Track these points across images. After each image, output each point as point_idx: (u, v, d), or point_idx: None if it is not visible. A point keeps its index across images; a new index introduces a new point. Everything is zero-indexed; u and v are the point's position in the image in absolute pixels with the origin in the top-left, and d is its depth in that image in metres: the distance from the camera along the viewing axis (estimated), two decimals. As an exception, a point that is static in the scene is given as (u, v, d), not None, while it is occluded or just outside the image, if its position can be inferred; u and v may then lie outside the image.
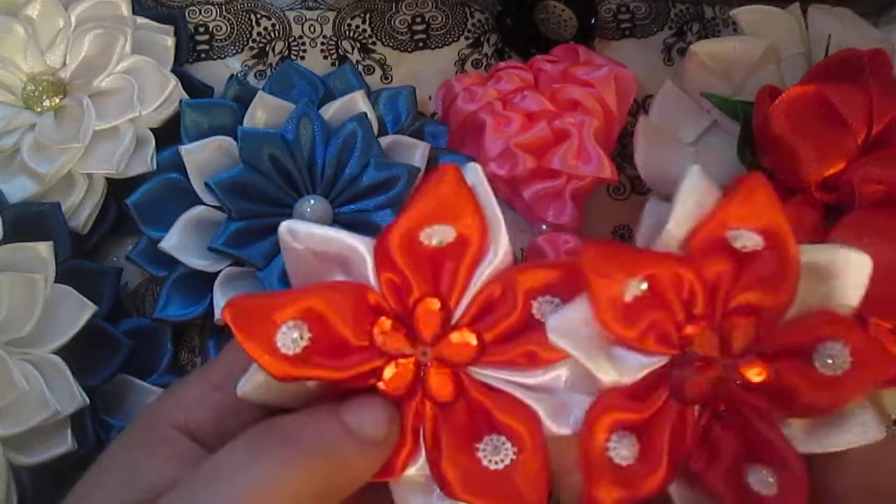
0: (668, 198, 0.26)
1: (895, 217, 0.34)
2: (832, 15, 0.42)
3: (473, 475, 0.23)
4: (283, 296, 0.23)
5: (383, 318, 0.24)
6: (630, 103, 0.44)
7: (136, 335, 0.39)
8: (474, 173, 0.24)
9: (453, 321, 0.24)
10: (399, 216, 0.24)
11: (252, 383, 0.24)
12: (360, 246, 0.24)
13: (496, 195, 0.25)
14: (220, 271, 0.39)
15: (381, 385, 0.24)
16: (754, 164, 0.39)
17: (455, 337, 0.24)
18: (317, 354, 0.23)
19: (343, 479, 0.23)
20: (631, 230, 0.45)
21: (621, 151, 0.46)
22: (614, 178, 0.42)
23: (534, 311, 0.24)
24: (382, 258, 0.24)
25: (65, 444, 0.35)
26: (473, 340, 0.24)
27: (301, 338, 0.23)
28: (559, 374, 0.24)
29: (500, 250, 0.24)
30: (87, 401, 0.35)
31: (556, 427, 0.23)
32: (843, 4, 0.43)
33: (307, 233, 0.24)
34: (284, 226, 0.25)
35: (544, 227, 0.42)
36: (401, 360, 0.24)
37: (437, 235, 0.24)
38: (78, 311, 0.36)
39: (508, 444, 0.23)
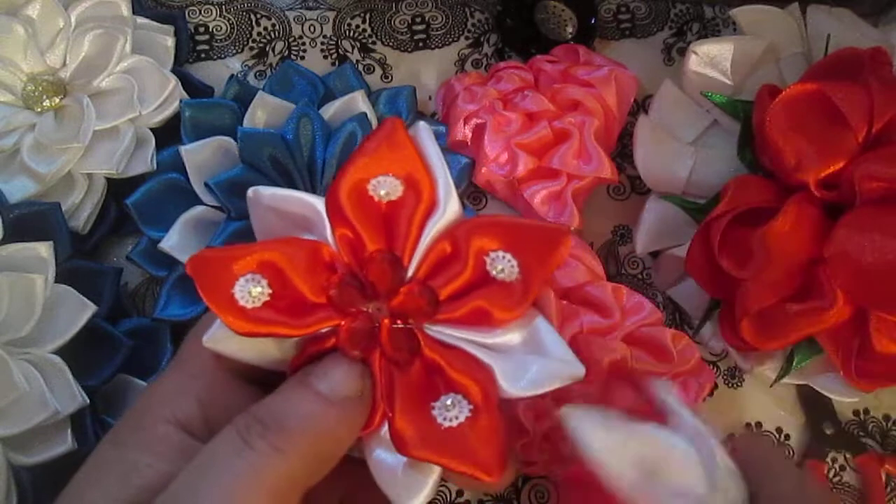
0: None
1: (896, 215, 0.34)
2: (831, 15, 0.42)
3: (427, 432, 0.23)
4: (242, 248, 0.23)
5: (337, 274, 0.24)
6: (630, 103, 0.45)
7: (136, 335, 0.39)
8: (423, 131, 0.25)
9: (407, 276, 0.24)
10: (344, 168, 0.24)
11: (216, 336, 0.24)
12: (317, 203, 0.24)
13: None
14: (220, 271, 0.39)
15: (340, 343, 0.24)
16: (754, 163, 0.39)
17: (407, 290, 0.24)
18: (276, 310, 0.23)
19: (331, 447, 0.23)
20: (631, 230, 0.45)
21: (621, 151, 0.46)
22: (614, 178, 0.42)
23: (487, 268, 0.23)
24: (335, 213, 0.24)
25: (65, 444, 0.35)
26: (426, 293, 0.24)
27: (261, 292, 0.23)
28: (513, 336, 0.24)
29: (450, 205, 0.24)
30: (87, 401, 0.35)
31: (510, 388, 0.23)
32: (843, 4, 0.43)
33: (270, 194, 0.25)
34: (251, 190, 0.25)
35: (544, 226, 0.42)
36: (356, 318, 0.24)
37: (384, 187, 0.24)
38: (78, 311, 0.36)
39: (464, 402, 0.23)
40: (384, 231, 0.24)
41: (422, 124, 0.25)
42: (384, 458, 0.24)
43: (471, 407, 0.23)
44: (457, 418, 0.23)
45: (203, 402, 0.25)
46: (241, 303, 0.23)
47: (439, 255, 0.24)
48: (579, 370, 0.23)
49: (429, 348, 0.24)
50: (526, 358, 0.23)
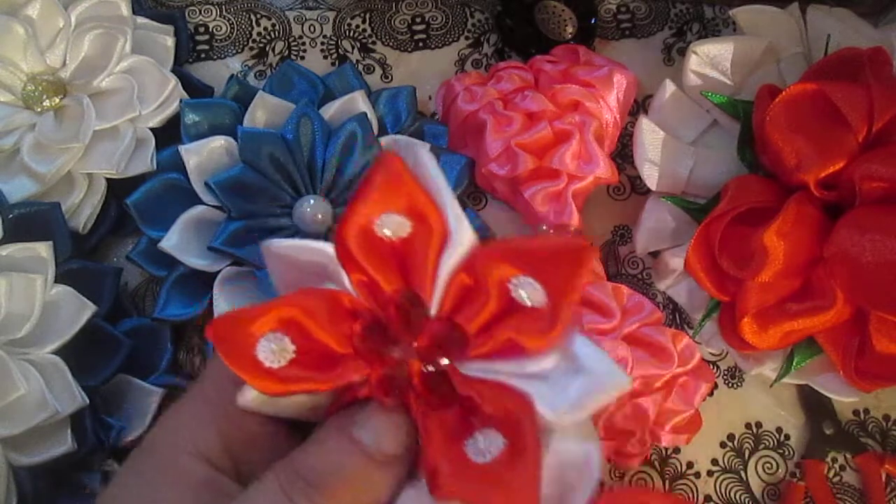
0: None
1: (896, 215, 0.34)
2: (831, 15, 0.42)
3: (460, 469, 0.22)
4: (261, 308, 0.23)
5: (359, 322, 0.23)
6: (630, 103, 0.45)
7: (136, 335, 0.39)
8: (424, 157, 0.24)
9: (431, 313, 0.23)
10: (347, 213, 0.23)
11: (248, 396, 0.24)
12: (330, 250, 0.24)
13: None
14: (219, 271, 0.39)
15: (373, 393, 0.23)
16: (754, 163, 0.39)
17: (433, 328, 0.23)
18: (303, 366, 0.23)
19: (369, 500, 0.22)
20: (631, 230, 0.45)
21: (621, 151, 0.46)
22: (614, 179, 0.42)
23: (512, 295, 0.23)
24: (346, 260, 0.23)
25: (65, 444, 0.35)
26: (453, 329, 0.23)
27: (285, 349, 0.22)
28: (550, 359, 0.23)
29: (462, 234, 0.23)
30: (87, 401, 0.35)
31: (552, 413, 0.22)
32: (843, 4, 0.43)
33: (283, 246, 0.24)
34: (264, 246, 0.25)
35: (544, 227, 0.42)
36: (385, 364, 0.23)
37: (391, 226, 0.23)
38: (78, 311, 0.36)
39: (497, 436, 0.22)
40: (400, 270, 0.24)
41: (421, 149, 0.24)
42: (416, 497, 0.23)
43: (504, 441, 0.22)
44: (490, 452, 0.22)
45: (225, 432, 0.24)
46: (267, 364, 0.22)
47: (460, 289, 0.23)
48: (623, 381, 0.21)
49: (463, 386, 0.23)
50: (566, 378, 0.22)
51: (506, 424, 0.22)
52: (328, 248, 0.24)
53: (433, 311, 0.23)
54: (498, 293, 0.23)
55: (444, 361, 0.23)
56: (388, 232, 0.23)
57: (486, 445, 0.22)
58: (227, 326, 0.22)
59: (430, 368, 0.23)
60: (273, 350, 0.22)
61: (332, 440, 0.23)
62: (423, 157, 0.24)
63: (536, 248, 0.23)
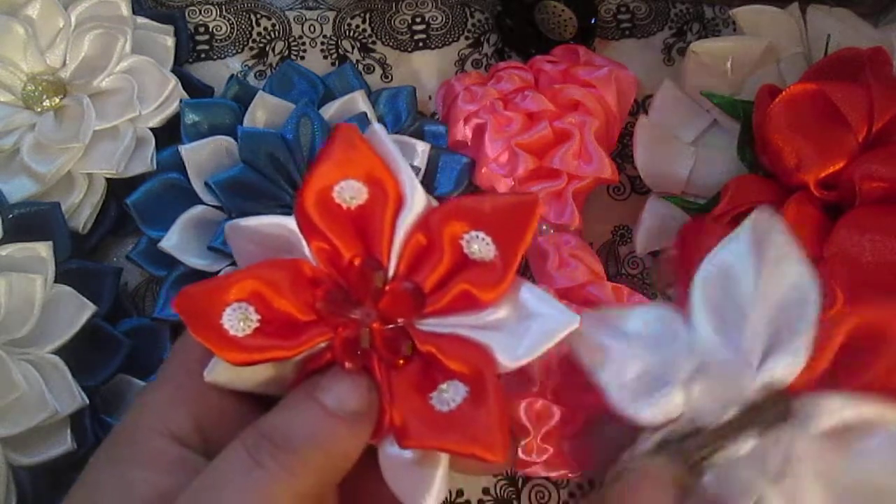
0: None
1: (896, 215, 0.34)
2: (831, 15, 0.42)
3: (426, 420, 0.23)
4: (224, 279, 0.23)
5: (321, 288, 0.24)
6: (630, 103, 0.44)
7: (135, 335, 0.39)
8: (378, 131, 0.25)
9: (389, 276, 0.24)
10: (306, 180, 0.24)
11: (216, 370, 0.24)
12: (288, 222, 0.24)
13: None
14: (219, 271, 0.39)
15: (336, 355, 0.24)
16: (754, 163, 0.39)
17: (391, 290, 0.24)
18: (268, 335, 0.23)
19: (340, 462, 0.23)
20: (631, 230, 0.45)
21: (621, 151, 0.46)
22: (614, 178, 0.42)
23: (464, 251, 0.23)
24: (306, 226, 0.24)
25: (64, 444, 0.35)
26: (410, 289, 0.24)
27: (249, 318, 0.23)
28: (503, 310, 0.23)
29: (416, 198, 0.24)
30: (87, 401, 0.35)
31: (510, 359, 0.23)
32: (843, 4, 0.44)
33: (245, 225, 0.25)
34: (227, 225, 0.25)
35: (544, 227, 0.42)
36: (347, 327, 0.24)
37: (348, 191, 0.24)
38: (78, 311, 0.36)
39: (459, 385, 0.23)
40: (358, 236, 0.24)
41: (376, 126, 0.25)
42: (394, 454, 0.24)
43: (467, 389, 0.23)
44: (454, 401, 0.22)
45: (195, 412, 0.24)
46: (232, 333, 0.23)
47: (416, 249, 0.24)
48: (573, 319, 0.22)
49: (422, 342, 0.24)
50: (519, 325, 0.23)
51: (466, 375, 0.23)
52: (289, 221, 0.24)
53: (391, 272, 0.24)
54: (451, 249, 0.24)
55: (403, 320, 0.24)
56: (347, 197, 0.24)
57: (451, 395, 0.23)
58: (192, 298, 0.23)
59: (391, 328, 0.24)
60: (238, 319, 0.23)
61: (297, 403, 0.23)
62: (376, 127, 0.25)
63: (487, 204, 0.23)
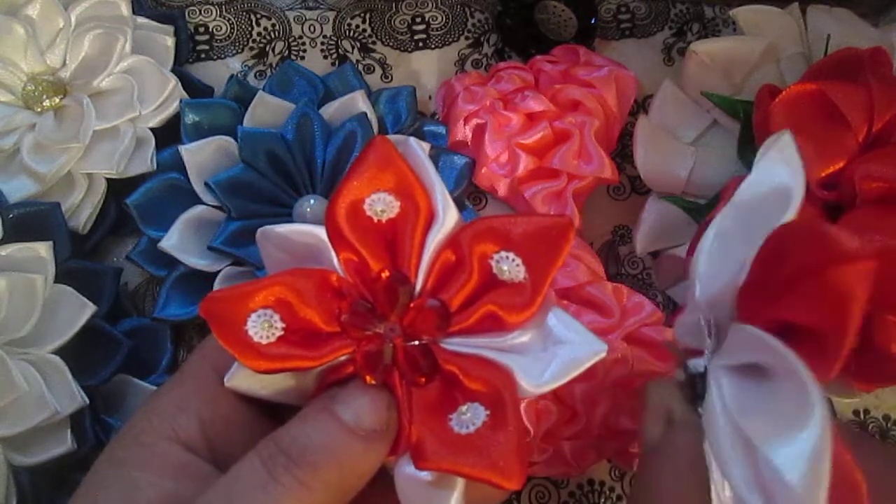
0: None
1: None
2: (831, 15, 0.42)
3: (444, 442, 0.22)
4: (251, 285, 0.23)
5: (346, 300, 0.24)
6: (630, 103, 0.45)
7: (135, 335, 0.39)
8: (413, 144, 0.25)
9: (415, 292, 0.24)
10: (338, 191, 0.24)
11: (237, 376, 0.24)
12: (319, 232, 0.24)
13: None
14: (219, 271, 0.39)
15: (357, 369, 0.24)
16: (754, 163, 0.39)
17: (417, 306, 0.24)
18: (291, 344, 0.23)
19: (354, 479, 0.23)
20: (631, 230, 0.45)
21: (621, 151, 0.46)
22: (614, 178, 0.42)
23: (493, 271, 0.23)
24: (336, 238, 0.24)
25: (64, 444, 0.35)
26: (436, 306, 0.23)
27: (273, 326, 0.23)
28: (529, 333, 0.23)
29: (448, 214, 0.24)
30: (87, 401, 0.35)
31: (533, 385, 0.22)
32: (843, 4, 0.43)
33: (275, 231, 0.25)
34: (260, 231, 0.25)
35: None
36: (370, 341, 0.24)
37: (379, 204, 0.24)
38: (78, 311, 0.36)
39: (479, 408, 0.22)
40: (387, 249, 0.24)
41: (412, 140, 0.25)
42: (410, 473, 0.23)
43: (487, 412, 0.22)
44: (473, 423, 0.22)
45: (203, 418, 0.24)
46: (256, 340, 0.23)
47: (444, 266, 0.24)
48: (601, 348, 0.22)
49: (445, 361, 0.23)
50: (545, 351, 0.23)
51: (487, 397, 0.23)
52: (320, 230, 0.24)
53: (418, 288, 0.24)
54: (479, 268, 0.23)
55: (427, 338, 0.24)
56: (378, 210, 0.24)
57: (471, 417, 0.22)
58: (218, 303, 0.23)
59: (414, 345, 0.24)
60: (262, 326, 0.23)
61: (314, 417, 0.23)
62: (412, 142, 0.25)
63: (519, 225, 0.23)
